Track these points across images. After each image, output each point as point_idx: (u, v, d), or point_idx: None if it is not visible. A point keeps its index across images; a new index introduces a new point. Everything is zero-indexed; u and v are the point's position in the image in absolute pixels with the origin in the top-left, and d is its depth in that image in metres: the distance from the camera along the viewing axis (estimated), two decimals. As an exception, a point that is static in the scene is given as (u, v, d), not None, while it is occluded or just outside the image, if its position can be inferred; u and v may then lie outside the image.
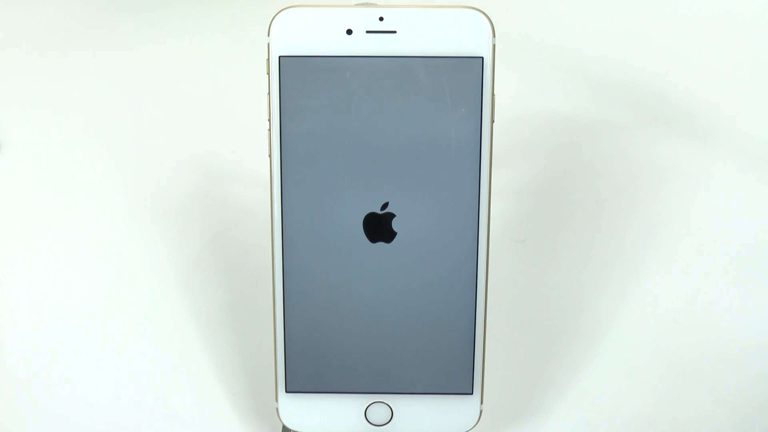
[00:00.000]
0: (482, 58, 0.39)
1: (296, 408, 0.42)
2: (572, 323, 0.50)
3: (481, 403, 0.42)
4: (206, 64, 0.72)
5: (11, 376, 0.48)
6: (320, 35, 0.39)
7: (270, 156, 0.40)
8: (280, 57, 0.39)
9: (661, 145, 0.63)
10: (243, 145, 0.62)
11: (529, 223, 0.57)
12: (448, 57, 0.39)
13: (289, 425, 0.43)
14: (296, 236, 0.41)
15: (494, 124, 0.40)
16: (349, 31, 0.39)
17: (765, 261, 0.54)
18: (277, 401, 0.42)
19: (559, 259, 0.54)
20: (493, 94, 0.40)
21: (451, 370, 0.42)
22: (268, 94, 0.40)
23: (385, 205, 0.41)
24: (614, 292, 0.52)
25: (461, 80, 0.39)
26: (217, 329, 0.50)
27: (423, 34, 0.39)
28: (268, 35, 0.39)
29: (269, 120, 0.40)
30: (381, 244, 0.41)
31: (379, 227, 0.41)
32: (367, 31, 0.39)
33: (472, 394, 0.42)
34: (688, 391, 0.47)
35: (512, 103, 0.60)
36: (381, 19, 0.39)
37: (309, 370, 0.42)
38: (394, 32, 0.39)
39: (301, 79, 0.39)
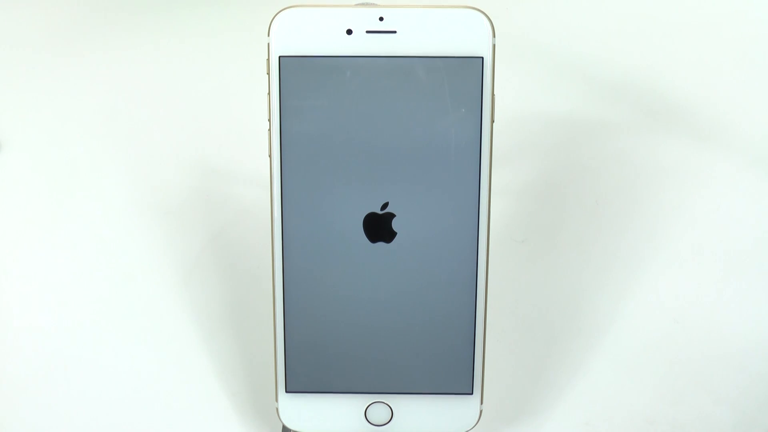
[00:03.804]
0: (482, 58, 0.39)
1: (296, 408, 0.42)
2: (572, 323, 0.50)
3: (481, 403, 0.42)
4: (206, 64, 0.72)
5: (11, 376, 0.48)
6: (320, 35, 0.39)
7: (270, 156, 0.40)
8: (280, 57, 0.39)
9: (661, 145, 0.63)
10: (243, 145, 0.62)
11: (529, 223, 0.57)
12: (448, 57, 0.39)
13: (289, 425, 0.43)
14: (296, 236, 0.41)
15: (494, 124, 0.40)
16: (349, 31, 0.39)
17: (765, 261, 0.54)
18: (277, 401, 0.42)
19: (559, 259, 0.54)
20: (493, 94, 0.40)
21: (451, 370, 0.42)
22: (268, 94, 0.40)
23: (385, 205, 0.41)
24: (614, 292, 0.52)
25: (461, 80, 0.39)
26: (217, 329, 0.50)
27: (423, 34, 0.39)
28: (268, 35, 0.39)
29: (269, 120, 0.40)
30: (381, 244, 0.41)
31: (379, 227, 0.41)
32: (367, 31, 0.39)
33: (472, 394, 0.42)
34: (688, 391, 0.47)
35: (512, 103, 0.60)
36: (381, 19, 0.39)
37: (309, 370, 0.42)
38: (394, 32, 0.39)
39: (301, 79, 0.39)
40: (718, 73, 0.70)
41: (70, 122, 0.66)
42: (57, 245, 0.56)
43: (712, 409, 0.46)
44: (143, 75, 0.70)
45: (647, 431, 0.45)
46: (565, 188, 0.59)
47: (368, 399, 0.42)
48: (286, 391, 0.42)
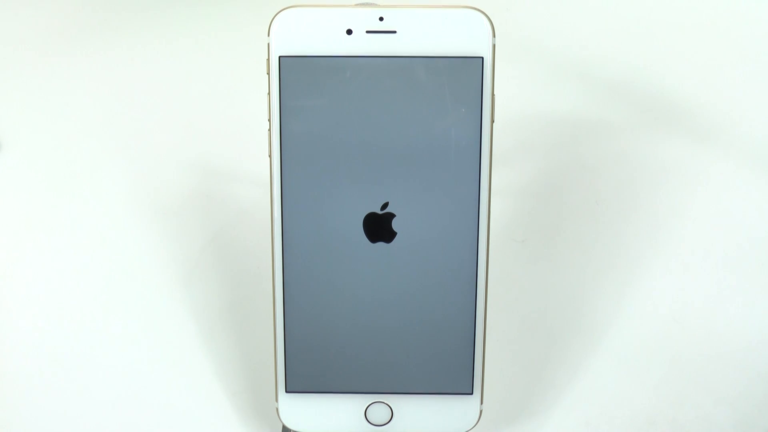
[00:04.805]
0: (482, 58, 0.39)
1: (296, 408, 0.42)
2: (572, 323, 0.50)
3: (481, 403, 0.42)
4: (206, 64, 0.72)
5: (11, 376, 0.48)
6: (320, 35, 0.39)
7: (270, 156, 0.40)
8: (280, 57, 0.39)
9: (661, 145, 0.63)
10: (243, 145, 0.62)
11: (529, 223, 0.57)
12: (448, 57, 0.39)
13: (289, 425, 0.43)
14: (296, 236, 0.41)
15: (494, 124, 0.40)
16: (349, 31, 0.39)
17: (765, 261, 0.54)
18: (277, 401, 0.42)
19: (559, 259, 0.54)
20: (493, 94, 0.40)
21: (451, 370, 0.42)
22: (268, 94, 0.40)
23: (385, 205, 0.41)
24: (614, 292, 0.52)
25: (461, 80, 0.39)
26: (217, 329, 0.50)
27: (423, 34, 0.39)
28: (268, 35, 0.39)
29: (269, 120, 0.40)
30: (381, 244, 0.41)
31: (379, 227, 0.41)
32: (367, 31, 0.39)
33: (472, 394, 0.42)
34: (688, 391, 0.47)
35: (512, 103, 0.60)
36: (381, 19, 0.39)
37: (309, 370, 0.42)
38: (394, 32, 0.39)
39: (301, 79, 0.39)
40: (717, 73, 0.70)
41: (70, 122, 0.66)
42: (57, 245, 0.56)
43: (712, 409, 0.46)
44: (143, 75, 0.70)
45: (647, 431, 0.45)
46: (565, 188, 0.59)
47: (368, 399, 0.42)
48: (286, 391, 0.42)
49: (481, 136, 0.40)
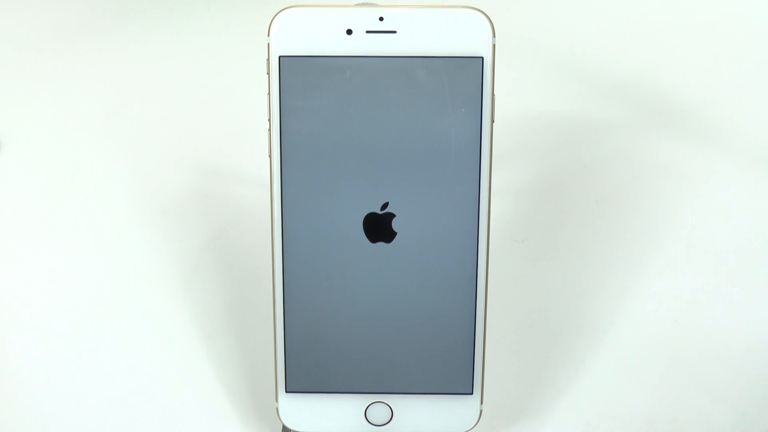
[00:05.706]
0: (482, 58, 0.39)
1: (296, 408, 0.42)
2: (572, 323, 0.50)
3: (481, 403, 0.42)
4: (206, 64, 0.72)
5: (11, 376, 0.48)
6: (320, 35, 0.39)
7: (270, 156, 0.40)
8: (280, 57, 0.39)
9: (661, 145, 0.63)
10: (243, 145, 0.62)
11: (529, 223, 0.57)
12: (448, 57, 0.39)
13: (289, 425, 0.43)
14: (296, 236, 0.41)
15: (494, 124, 0.40)
16: (349, 31, 0.39)
17: (765, 261, 0.54)
18: (277, 401, 0.43)
19: (559, 259, 0.54)
20: (493, 94, 0.40)
21: (451, 370, 0.42)
22: (268, 94, 0.40)
23: (385, 205, 0.41)
24: (614, 292, 0.52)
25: (461, 80, 0.39)
26: (217, 329, 0.50)
27: (423, 34, 0.39)
28: (268, 35, 0.39)
29: (269, 120, 0.40)
30: (381, 244, 0.41)
31: (379, 227, 0.41)
32: (367, 31, 0.39)
33: (472, 394, 0.42)
34: (688, 391, 0.47)
35: (512, 103, 0.60)
36: (381, 19, 0.39)
37: (309, 370, 0.42)
38: (394, 32, 0.39)
39: (301, 79, 0.39)
40: (717, 72, 0.70)
41: (70, 122, 0.66)
42: (57, 245, 0.56)
43: (712, 409, 0.46)
44: (143, 75, 0.70)
45: (647, 431, 0.45)
46: (565, 188, 0.60)
47: (368, 399, 0.42)
48: (286, 391, 0.42)
49: (481, 136, 0.40)
